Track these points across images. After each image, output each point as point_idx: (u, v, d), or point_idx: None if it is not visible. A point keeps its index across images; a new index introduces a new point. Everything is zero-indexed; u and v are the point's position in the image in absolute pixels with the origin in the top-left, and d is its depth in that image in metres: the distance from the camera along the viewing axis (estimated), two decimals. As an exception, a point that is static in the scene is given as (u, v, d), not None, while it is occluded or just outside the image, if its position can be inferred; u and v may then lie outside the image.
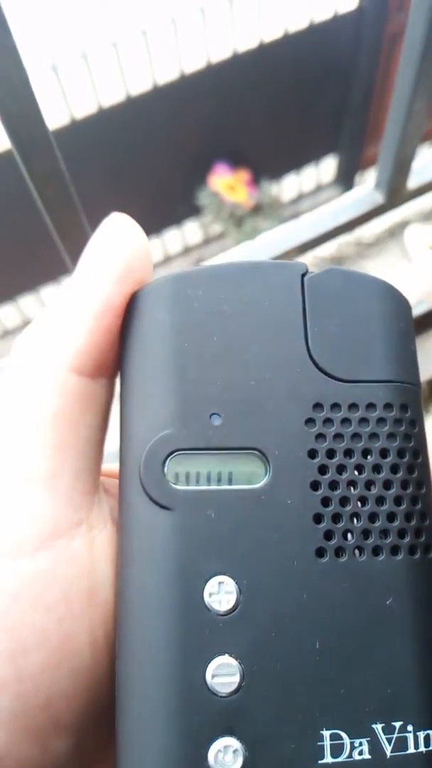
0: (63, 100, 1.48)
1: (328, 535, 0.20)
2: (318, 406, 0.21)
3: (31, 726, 0.19)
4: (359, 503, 0.20)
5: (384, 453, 0.21)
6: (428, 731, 0.19)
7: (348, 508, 0.20)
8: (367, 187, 0.56)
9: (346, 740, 0.19)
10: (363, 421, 0.21)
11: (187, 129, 1.69)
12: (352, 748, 0.18)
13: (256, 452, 0.20)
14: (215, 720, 0.18)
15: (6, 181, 1.11)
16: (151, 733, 0.18)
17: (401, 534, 0.20)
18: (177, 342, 0.21)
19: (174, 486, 0.20)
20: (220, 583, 0.19)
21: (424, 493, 0.21)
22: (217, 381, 0.20)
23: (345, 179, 2.10)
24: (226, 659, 0.19)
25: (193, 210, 1.88)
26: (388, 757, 0.19)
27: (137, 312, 0.21)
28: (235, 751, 0.18)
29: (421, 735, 0.19)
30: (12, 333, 1.93)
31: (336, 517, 0.20)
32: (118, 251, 0.22)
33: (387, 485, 0.20)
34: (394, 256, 0.57)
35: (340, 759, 0.18)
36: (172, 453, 0.20)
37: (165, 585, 0.19)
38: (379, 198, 0.55)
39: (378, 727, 0.19)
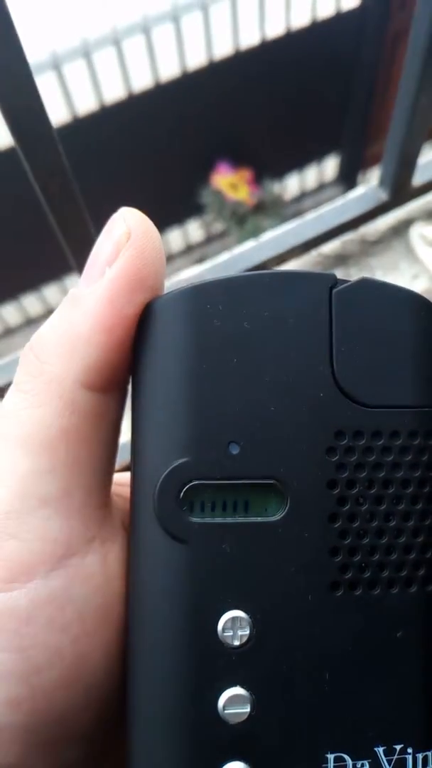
0: (65, 98, 1.48)
1: (344, 569, 0.20)
2: (340, 434, 0.20)
3: (44, 740, 0.19)
4: (377, 536, 0.20)
5: (405, 484, 0.20)
6: (427, 753, 0.20)
7: (365, 541, 0.20)
8: (372, 184, 0.56)
9: (349, 762, 0.19)
10: (385, 450, 0.20)
11: (189, 127, 1.69)
12: None
13: (274, 483, 0.20)
14: (225, 746, 0.19)
15: (8, 179, 1.11)
16: (162, 759, 0.19)
17: (416, 566, 0.20)
18: (195, 363, 0.20)
19: (189, 518, 0.19)
20: (233, 618, 0.19)
21: None
22: (236, 406, 0.19)
23: (347, 178, 2.09)
24: (237, 691, 0.19)
25: (194, 208, 1.88)
26: None
27: (152, 327, 0.20)
28: None
29: (420, 756, 0.20)
30: (14, 332, 1.93)
31: (352, 551, 0.20)
32: (130, 256, 0.20)
33: (406, 517, 0.20)
34: (398, 254, 0.57)
35: None
36: (187, 483, 0.19)
37: (179, 620, 0.19)
38: (383, 195, 0.55)
39: (380, 750, 0.19)
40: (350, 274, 0.52)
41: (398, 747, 0.20)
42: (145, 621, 0.20)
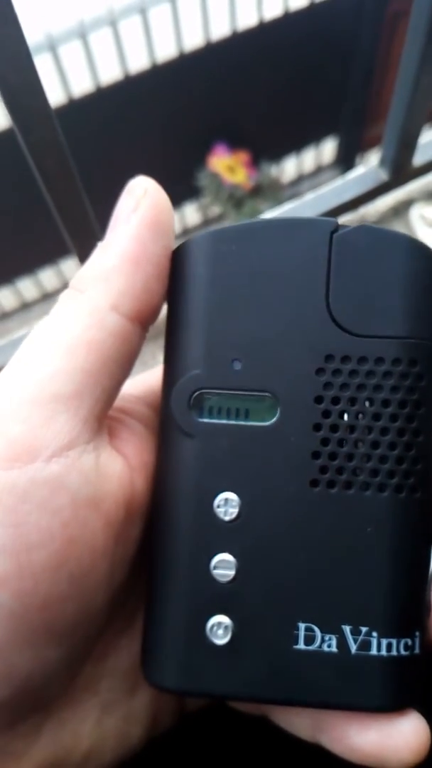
0: (60, 80, 1.47)
1: (323, 470, 0.23)
2: (330, 357, 0.23)
3: (26, 628, 0.21)
4: (355, 445, 0.23)
5: (386, 403, 0.23)
6: (390, 640, 0.22)
7: (344, 448, 0.23)
8: (372, 164, 0.55)
9: (318, 633, 0.22)
10: (370, 373, 0.23)
11: (186, 109, 1.67)
12: (323, 641, 0.22)
13: (268, 394, 0.23)
14: (214, 601, 0.23)
15: (2, 162, 1.10)
16: (168, 607, 0.23)
17: (390, 474, 0.23)
18: (210, 294, 0.23)
19: (196, 418, 0.23)
20: (226, 498, 0.23)
21: (421, 441, 0.23)
22: (242, 331, 0.23)
23: (345, 160, 2.08)
24: (226, 556, 0.23)
25: (192, 191, 1.86)
26: (352, 653, 0.22)
27: (179, 265, 0.24)
28: (226, 627, 0.23)
29: (384, 642, 0.22)
30: (10, 315, 1.92)
31: (332, 456, 0.23)
32: (148, 205, 0.24)
33: (384, 432, 0.23)
34: (398, 235, 0.56)
35: (311, 648, 0.22)
36: (196, 391, 0.23)
37: (184, 495, 0.23)
38: (383, 175, 0.54)
39: (347, 628, 0.22)
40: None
41: (364, 629, 0.22)
42: (162, 495, 0.24)
